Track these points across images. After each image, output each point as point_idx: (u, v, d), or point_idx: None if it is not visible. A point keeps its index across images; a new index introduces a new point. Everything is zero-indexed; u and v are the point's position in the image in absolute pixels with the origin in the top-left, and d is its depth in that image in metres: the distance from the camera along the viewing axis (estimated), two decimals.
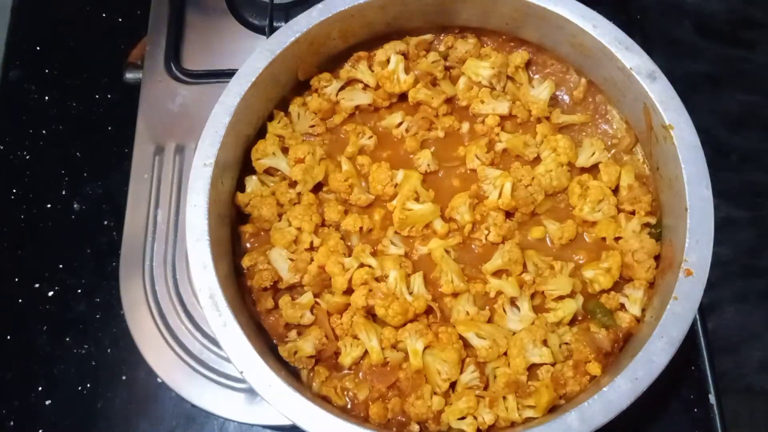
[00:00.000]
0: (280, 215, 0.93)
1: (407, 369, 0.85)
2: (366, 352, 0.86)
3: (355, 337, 0.86)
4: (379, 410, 0.83)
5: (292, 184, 0.94)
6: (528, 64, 1.00)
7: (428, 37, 1.01)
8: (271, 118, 0.99)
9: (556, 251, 0.93)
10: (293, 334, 0.89)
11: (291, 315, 0.87)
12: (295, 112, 0.99)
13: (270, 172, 0.97)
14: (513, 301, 0.88)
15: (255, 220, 0.93)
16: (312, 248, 0.90)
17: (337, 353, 0.87)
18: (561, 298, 0.88)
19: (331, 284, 0.88)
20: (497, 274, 0.90)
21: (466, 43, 1.01)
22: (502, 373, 0.84)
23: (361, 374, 0.87)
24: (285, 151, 0.97)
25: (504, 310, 0.88)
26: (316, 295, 0.89)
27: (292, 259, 0.89)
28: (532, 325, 0.86)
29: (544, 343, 0.85)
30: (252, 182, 0.95)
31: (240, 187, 0.95)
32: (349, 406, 0.86)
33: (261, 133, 0.98)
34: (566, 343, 0.86)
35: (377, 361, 0.85)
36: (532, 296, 0.89)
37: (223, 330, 0.79)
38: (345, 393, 0.86)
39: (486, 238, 0.91)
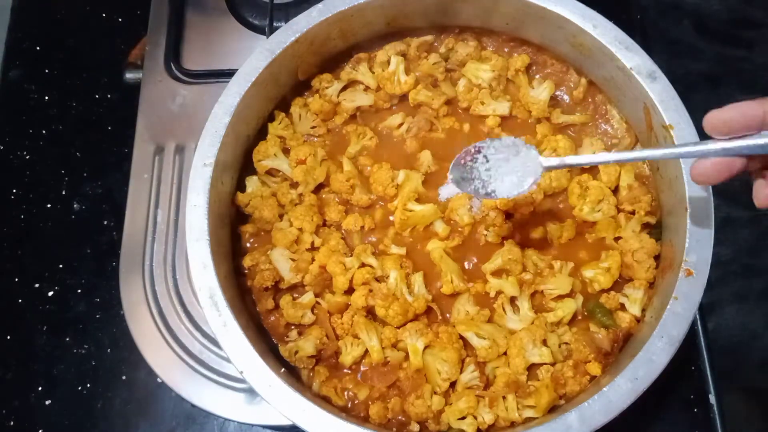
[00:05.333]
0: (281, 216, 0.93)
1: (407, 368, 0.85)
2: (366, 352, 0.86)
3: (356, 337, 0.86)
4: (379, 410, 0.83)
5: (294, 184, 0.94)
6: (528, 65, 1.00)
7: (429, 38, 1.01)
8: (271, 118, 0.99)
9: (556, 251, 0.93)
10: (294, 333, 0.89)
11: (292, 315, 0.87)
12: (297, 113, 0.99)
13: (271, 173, 0.97)
14: (513, 301, 0.88)
15: (256, 221, 0.93)
16: (313, 248, 0.91)
17: (337, 353, 0.87)
18: (560, 297, 0.88)
19: (332, 284, 0.88)
20: (497, 273, 0.90)
21: (467, 45, 1.01)
22: (502, 373, 0.84)
23: (360, 374, 0.87)
24: (286, 152, 0.97)
25: (504, 310, 0.88)
26: (317, 295, 0.89)
27: (293, 259, 0.89)
28: (531, 325, 0.86)
29: (544, 342, 0.85)
30: (253, 182, 0.95)
31: (240, 187, 0.95)
32: (349, 406, 0.86)
33: (261, 133, 0.98)
34: (566, 343, 0.86)
35: (378, 360, 0.85)
36: (532, 296, 0.89)
37: (223, 330, 0.79)
38: (345, 393, 0.86)
39: (485, 239, 0.91)
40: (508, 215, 0.93)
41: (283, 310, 0.88)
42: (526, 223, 0.94)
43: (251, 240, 0.94)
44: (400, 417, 0.84)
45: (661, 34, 1.48)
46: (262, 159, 0.95)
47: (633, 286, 0.88)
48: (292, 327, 0.90)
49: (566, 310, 0.87)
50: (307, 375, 0.87)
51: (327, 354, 0.87)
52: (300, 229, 0.91)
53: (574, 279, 0.89)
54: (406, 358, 0.86)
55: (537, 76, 1.02)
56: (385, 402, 0.84)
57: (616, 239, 0.91)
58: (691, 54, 1.49)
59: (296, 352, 0.86)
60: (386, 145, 0.99)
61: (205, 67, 1.14)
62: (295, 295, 0.90)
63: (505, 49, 1.03)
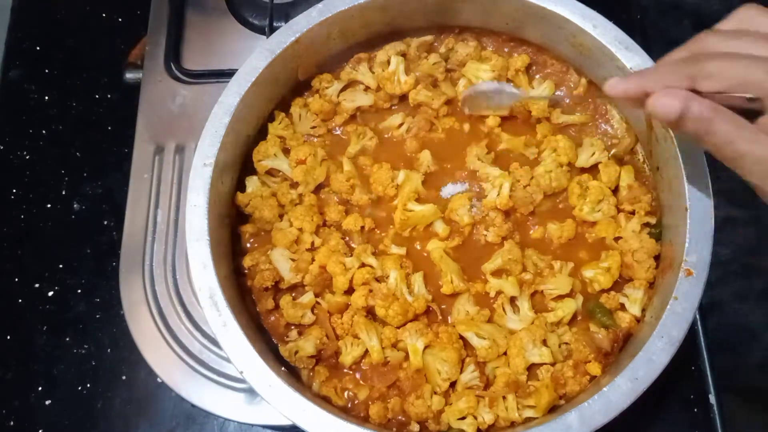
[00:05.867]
0: (281, 216, 0.93)
1: (407, 368, 0.85)
2: (366, 352, 0.86)
3: (356, 337, 0.86)
4: (380, 410, 0.83)
5: (294, 184, 0.94)
6: (528, 65, 1.00)
7: (429, 38, 1.01)
8: (271, 118, 0.99)
9: (556, 251, 0.93)
10: (294, 333, 0.89)
11: (292, 315, 0.87)
12: (297, 113, 0.99)
13: (271, 173, 0.97)
14: (513, 301, 0.88)
15: (256, 221, 0.93)
16: (313, 248, 0.91)
17: (337, 353, 0.87)
18: (560, 297, 0.88)
19: (332, 284, 0.88)
20: (497, 273, 0.90)
21: (467, 45, 1.01)
22: (502, 373, 0.83)
23: (360, 374, 0.87)
24: (286, 152, 0.97)
25: (504, 310, 0.88)
26: (317, 295, 0.89)
27: (293, 260, 0.89)
28: (531, 325, 0.86)
29: (544, 342, 0.85)
30: (253, 182, 0.95)
31: (240, 186, 0.95)
32: (349, 406, 0.86)
33: (261, 133, 0.98)
34: (566, 343, 0.86)
35: (378, 360, 0.85)
36: (532, 296, 0.89)
37: (223, 330, 0.79)
38: (345, 393, 0.86)
39: (485, 239, 0.91)
40: (507, 215, 0.93)
41: (283, 310, 0.88)
42: (526, 223, 0.94)
43: (251, 240, 0.94)
44: (400, 417, 0.84)
45: (661, 34, 1.47)
46: (262, 159, 0.95)
47: (633, 286, 0.88)
48: (292, 327, 0.90)
49: (566, 310, 0.87)
50: (307, 375, 0.87)
51: (327, 354, 0.87)
52: (300, 229, 0.91)
53: (574, 279, 0.89)
54: (406, 358, 0.86)
55: (537, 76, 1.02)
56: (385, 402, 0.84)
57: (616, 239, 0.91)
58: None
59: (296, 352, 0.86)
60: (386, 145, 0.99)
61: (205, 67, 1.14)
62: (295, 295, 0.90)
63: (505, 49, 1.03)
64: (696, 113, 0.60)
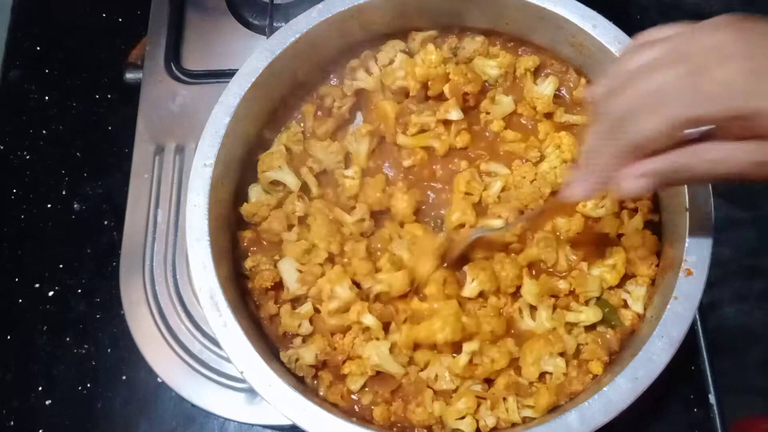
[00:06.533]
0: (290, 227, 0.92)
1: (410, 375, 0.85)
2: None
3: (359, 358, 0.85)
4: (383, 412, 0.82)
5: (300, 197, 0.93)
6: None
7: (433, 33, 1.01)
8: (274, 120, 0.98)
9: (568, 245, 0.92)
10: (298, 340, 0.88)
11: (289, 324, 0.86)
12: (309, 124, 0.98)
13: (274, 182, 0.95)
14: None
15: (263, 231, 0.92)
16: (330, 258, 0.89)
17: (343, 360, 0.85)
18: (586, 302, 0.88)
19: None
20: (531, 266, 0.89)
21: (474, 41, 1.01)
22: (504, 376, 0.83)
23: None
24: (291, 163, 0.95)
25: (521, 314, 0.87)
26: (317, 310, 0.88)
27: (301, 271, 0.88)
28: (550, 336, 0.84)
29: (561, 354, 0.84)
30: (255, 192, 0.94)
31: (241, 187, 0.95)
32: (354, 408, 0.85)
33: (261, 133, 0.98)
34: (580, 345, 0.86)
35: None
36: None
37: (224, 330, 0.79)
38: (351, 397, 0.85)
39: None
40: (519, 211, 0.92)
41: (282, 318, 0.87)
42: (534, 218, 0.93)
43: (250, 245, 0.93)
44: (403, 423, 0.83)
45: None
46: (266, 170, 0.93)
47: (636, 282, 0.88)
48: (294, 336, 0.88)
49: (590, 316, 0.86)
50: (311, 381, 0.86)
51: (333, 363, 0.85)
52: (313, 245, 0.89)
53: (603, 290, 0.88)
54: (409, 362, 0.85)
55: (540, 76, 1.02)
56: (389, 405, 0.84)
57: (619, 236, 0.91)
58: None
59: (296, 360, 0.85)
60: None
61: (205, 67, 1.14)
62: (295, 305, 0.89)
63: (506, 50, 1.03)
64: (659, 180, 0.60)
